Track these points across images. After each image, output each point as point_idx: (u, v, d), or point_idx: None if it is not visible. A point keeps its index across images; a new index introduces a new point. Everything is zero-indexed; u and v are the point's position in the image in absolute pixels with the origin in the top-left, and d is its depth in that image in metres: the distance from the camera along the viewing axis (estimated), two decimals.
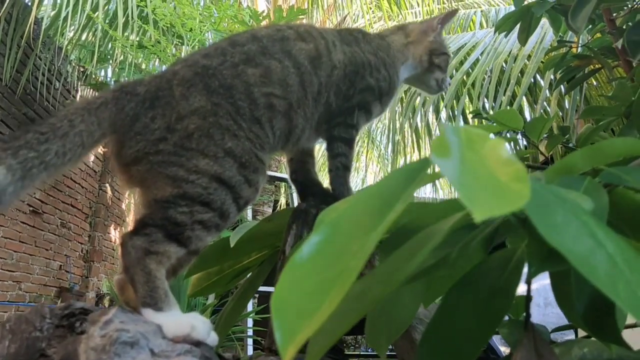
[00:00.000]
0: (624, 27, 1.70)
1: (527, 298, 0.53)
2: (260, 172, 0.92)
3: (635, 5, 1.60)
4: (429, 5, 6.69)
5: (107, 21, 4.95)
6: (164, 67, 4.68)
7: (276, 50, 1.02)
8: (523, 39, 1.99)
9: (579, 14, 0.67)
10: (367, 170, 9.68)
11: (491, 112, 4.46)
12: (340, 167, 1.09)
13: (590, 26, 2.18)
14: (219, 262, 1.05)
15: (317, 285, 0.34)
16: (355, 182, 10.04)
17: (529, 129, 1.29)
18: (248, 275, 1.11)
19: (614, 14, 1.75)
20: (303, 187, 1.13)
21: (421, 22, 1.39)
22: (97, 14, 4.24)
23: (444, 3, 6.56)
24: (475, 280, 0.53)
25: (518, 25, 1.86)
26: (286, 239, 0.96)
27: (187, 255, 0.88)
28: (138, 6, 4.14)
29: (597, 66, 2.11)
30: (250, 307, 3.65)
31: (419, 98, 5.09)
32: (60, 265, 5.89)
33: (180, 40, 4.05)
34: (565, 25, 1.86)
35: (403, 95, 5.11)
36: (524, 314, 0.52)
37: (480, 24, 5.68)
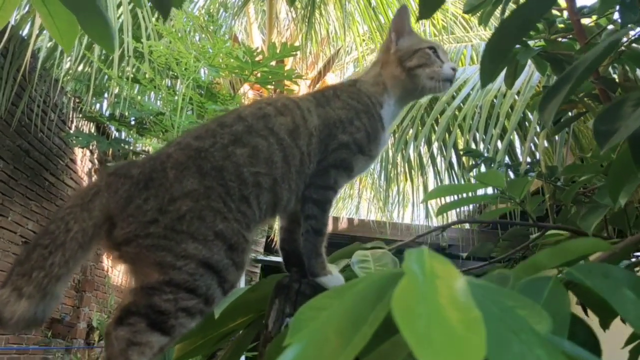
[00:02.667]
0: (606, 75, 1.75)
1: None
2: (246, 252, 0.94)
3: (616, 55, 1.65)
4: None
5: (103, 53, 5.02)
6: (158, 103, 4.74)
7: (260, 127, 1.05)
8: (509, 83, 2.03)
9: (547, 107, 0.70)
10: (360, 197, 9.71)
11: (482, 146, 4.52)
12: (311, 230, 1.06)
13: None
14: (202, 332, 1.06)
15: None
16: (350, 208, 10.07)
17: (511, 188, 1.33)
18: (235, 337, 1.12)
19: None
20: (288, 256, 1.14)
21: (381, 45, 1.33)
22: (92, 49, 4.29)
23: (435, 35, 6.69)
24: None
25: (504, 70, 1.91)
26: (269, 313, 0.97)
27: (170, 342, 0.89)
28: (134, 42, 4.20)
29: (583, 110, 2.16)
30: None
31: (411, 130, 5.15)
32: None
33: (175, 74, 4.10)
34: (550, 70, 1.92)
35: (396, 128, 5.17)
36: None
37: (471, 58, 5.78)
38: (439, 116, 4.80)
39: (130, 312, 0.86)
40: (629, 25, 1.54)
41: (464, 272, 1.42)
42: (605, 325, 0.86)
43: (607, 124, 0.73)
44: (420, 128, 5.20)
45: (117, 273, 7.27)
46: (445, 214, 5.01)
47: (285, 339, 0.46)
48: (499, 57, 0.65)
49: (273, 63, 4.36)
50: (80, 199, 0.93)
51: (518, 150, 5.14)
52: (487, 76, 0.66)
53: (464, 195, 1.35)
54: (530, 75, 3.83)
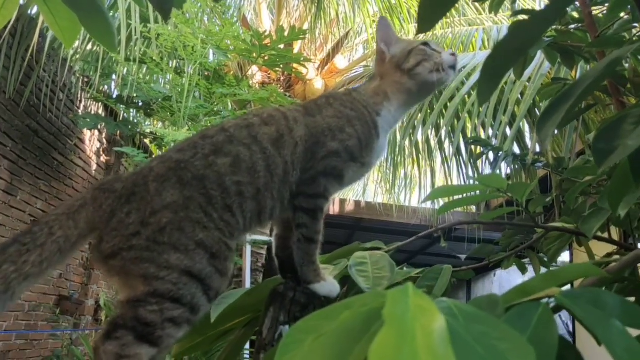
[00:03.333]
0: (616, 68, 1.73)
1: None
2: (229, 259, 0.96)
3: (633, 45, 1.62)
4: None
5: None
6: (167, 87, 4.73)
7: (243, 136, 1.06)
8: (518, 73, 2.01)
9: (544, 127, 0.70)
10: (368, 180, 9.71)
11: (490, 132, 4.48)
12: (302, 239, 1.07)
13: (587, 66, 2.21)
14: (200, 333, 1.08)
15: None
16: (357, 190, 10.07)
17: (513, 190, 1.32)
18: (233, 336, 1.14)
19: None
20: (283, 263, 1.15)
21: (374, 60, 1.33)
22: None
23: (446, 18, 6.59)
24: None
25: None
26: (263, 320, 0.99)
27: (159, 353, 0.90)
28: (142, 23, 4.18)
29: (591, 102, 2.14)
30: None
31: (419, 115, 5.12)
32: (61, 274, 5.93)
33: (182, 59, 4.09)
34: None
35: None
36: None
37: (483, 42, 5.70)
38: (448, 102, 4.75)
39: (117, 326, 0.87)
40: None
41: (466, 270, 1.43)
42: (599, 342, 0.86)
43: (606, 142, 0.72)
44: (429, 112, 5.17)
45: None
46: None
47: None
48: (496, 78, 0.65)
49: (281, 46, 4.33)
50: (67, 209, 0.95)
51: (527, 137, 5.09)
52: (484, 95, 0.65)
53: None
54: (541, 64, 3.78)
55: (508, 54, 0.62)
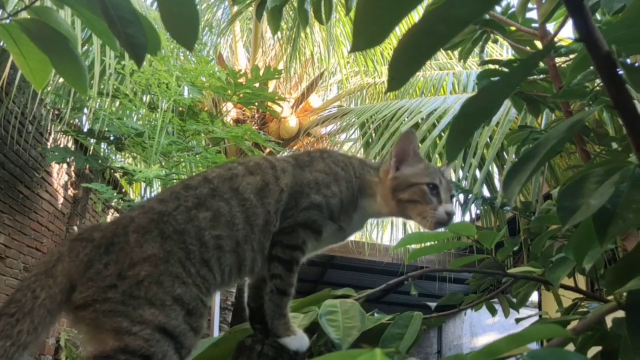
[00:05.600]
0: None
1: None
2: (204, 317, 0.93)
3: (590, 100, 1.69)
4: None
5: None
6: (139, 122, 4.70)
7: (225, 190, 1.05)
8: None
9: (510, 185, 0.71)
10: None
11: (461, 174, 4.57)
12: (275, 290, 1.05)
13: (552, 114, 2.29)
14: None
15: None
16: None
17: (482, 238, 1.34)
18: None
19: (571, 106, 1.84)
20: (253, 314, 1.13)
21: (385, 160, 1.25)
22: None
23: None
24: None
25: None
26: None
27: None
28: (116, 58, 4.17)
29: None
30: None
31: None
32: None
33: (156, 94, 4.08)
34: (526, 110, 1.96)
35: (377, 154, 5.20)
36: None
37: (453, 86, 5.87)
38: (420, 144, 4.84)
39: None
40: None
41: (436, 317, 1.43)
42: None
43: (570, 200, 0.74)
44: None
45: None
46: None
47: None
48: (463, 136, 0.66)
49: (257, 84, 4.37)
50: (44, 266, 0.93)
51: (496, 180, 5.20)
52: (453, 152, 0.67)
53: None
54: (509, 110, 3.90)
55: (476, 114, 0.63)
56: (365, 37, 0.68)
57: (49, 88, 5.12)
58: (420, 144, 4.68)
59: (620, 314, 0.80)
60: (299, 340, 1.01)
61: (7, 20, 1.03)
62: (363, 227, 1.24)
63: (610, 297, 0.85)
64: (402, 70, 0.69)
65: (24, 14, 1.03)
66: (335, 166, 1.17)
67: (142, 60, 0.97)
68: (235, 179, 1.07)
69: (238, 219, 1.02)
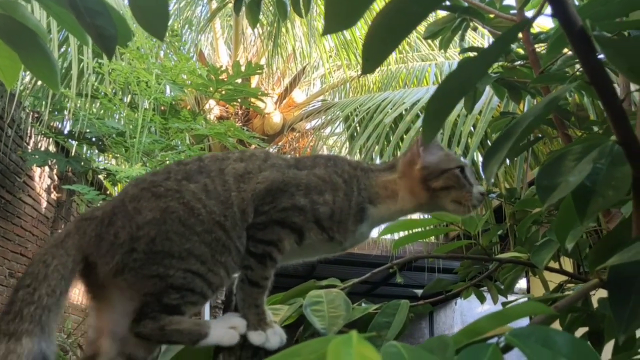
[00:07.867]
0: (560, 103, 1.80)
1: None
2: (224, 254, 1.02)
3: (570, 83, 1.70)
4: None
5: (62, 69, 4.90)
6: (122, 121, 4.65)
7: (213, 168, 1.06)
8: (469, 107, 2.07)
9: (489, 164, 0.71)
10: None
11: None
12: (245, 280, 1.03)
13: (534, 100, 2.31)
14: None
15: None
16: None
17: (467, 224, 1.33)
18: None
19: (552, 91, 1.85)
20: (229, 301, 1.12)
21: (404, 153, 1.20)
22: None
23: (400, 53, 6.78)
24: None
25: None
26: None
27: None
28: (94, 58, 4.12)
29: (539, 135, 2.21)
30: None
31: (377, 147, 5.19)
32: None
33: (137, 93, 4.04)
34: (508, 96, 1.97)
35: (362, 145, 5.21)
36: None
37: (436, 76, 5.88)
38: (404, 134, 4.85)
39: (144, 313, 0.96)
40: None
41: (423, 304, 1.43)
42: None
43: (549, 179, 0.73)
44: (385, 145, 5.25)
45: (76, 292, 7.05)
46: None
47: None
48: (440, 116, 0.65)
49: (239, 80, 4.34)
50: (54, 241, 0.99)
51: (481, 168, 5.23)
52: (429, 134, 0.66)
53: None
54: (491, 98, 3.92)
55: (453, 91, 0.62)
56: (337, 18, 0.66)
57: (27, 91, 5.05)
58: (404, 135, 4.69)
59: (605, 294, 0.80)
60: (268, 336, 0.97)
61: None
62: (369, 235, 1.20)
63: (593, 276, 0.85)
64: (376, 51, 0.68)
65: None
66: (337, 176, 1.11)
67: (112, 52, 0.95)
68: (225, 161, 1.09)
69: (223, 197, 1.03)
